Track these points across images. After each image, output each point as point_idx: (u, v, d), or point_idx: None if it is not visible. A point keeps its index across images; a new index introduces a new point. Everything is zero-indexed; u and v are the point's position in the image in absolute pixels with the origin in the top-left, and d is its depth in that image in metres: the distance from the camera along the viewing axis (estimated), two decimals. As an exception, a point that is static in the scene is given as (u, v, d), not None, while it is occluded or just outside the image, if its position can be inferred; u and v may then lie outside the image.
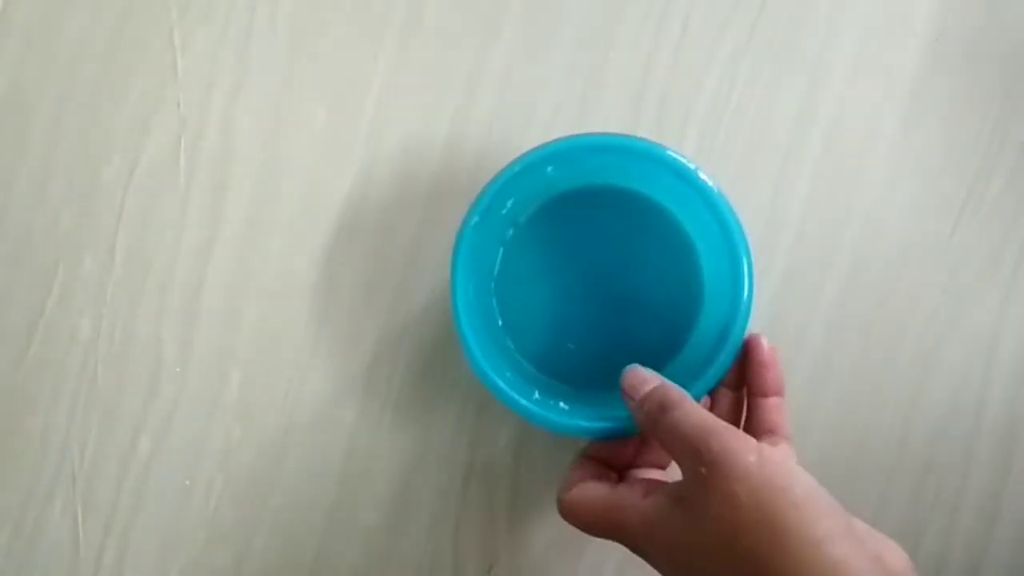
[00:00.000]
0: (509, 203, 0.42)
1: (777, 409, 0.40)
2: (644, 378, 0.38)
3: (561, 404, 0.41)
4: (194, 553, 0.47)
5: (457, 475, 0.47)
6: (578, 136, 0.41)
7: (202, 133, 0.46)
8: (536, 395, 0.41)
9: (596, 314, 0.44)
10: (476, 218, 0.41)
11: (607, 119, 0.46)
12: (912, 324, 0.47)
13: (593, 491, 0.38)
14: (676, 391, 0.37)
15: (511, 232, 0.44)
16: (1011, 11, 0.47)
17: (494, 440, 0.46)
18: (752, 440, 0.33)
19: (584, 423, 0.41)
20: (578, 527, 0.38)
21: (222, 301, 0.46)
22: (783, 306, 0.46)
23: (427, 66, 0.46)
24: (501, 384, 0.40)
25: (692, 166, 0.41)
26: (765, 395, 0.40)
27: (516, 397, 0.41)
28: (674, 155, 0.41)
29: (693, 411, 0.35)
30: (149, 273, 0.46)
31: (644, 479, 0.38)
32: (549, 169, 0.41)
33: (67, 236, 0.46)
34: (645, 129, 0.46)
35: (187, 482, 0.46)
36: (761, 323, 0.46)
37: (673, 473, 0.40)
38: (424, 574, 0.47)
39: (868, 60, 0.47)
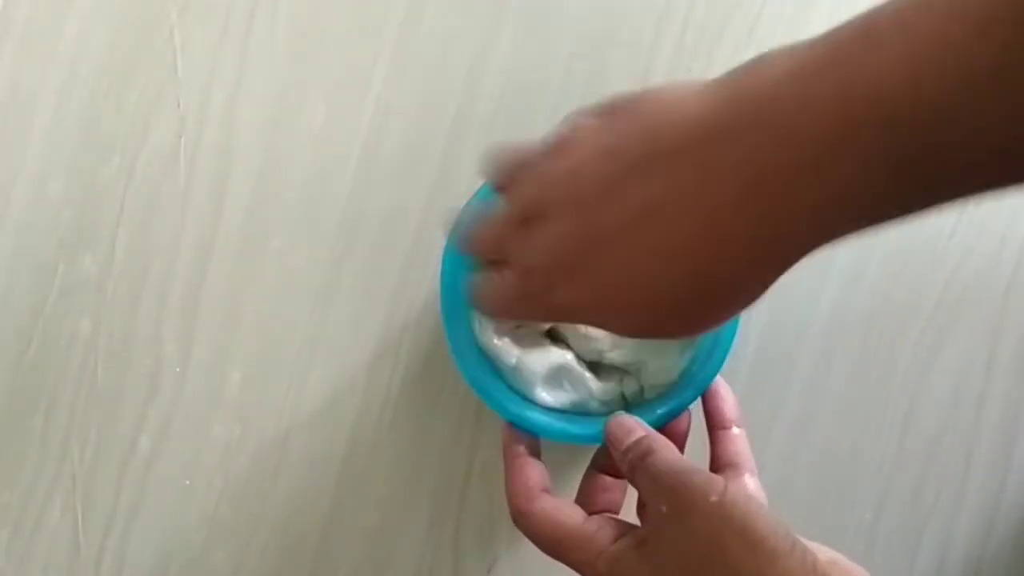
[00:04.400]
0: None
1: (737, 441, 0.39)
2: (630, 429, 0.37)
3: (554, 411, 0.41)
4: (194, 553, 0.47)
5: (457, 475, 0.47)
6: None
7: (202, 132, 0.46)
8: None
9: None
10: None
11: (607, 119, 0.46)
12: (912, 324, 0.47)
13: (561, 515, 0.36)
14: (660, 439, 0.36)
15: None
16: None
17: (494, 440, 0.46)
18: (719, 481, 0.32)
19: (576, 429, 0.40)
20: (532, 540, 0.37)
21: (222, 301, 0.46)
22: (783, 307, 0.46)
23: (427, 66, 0.46)
24: (493, 393, 0.40)
25: None
26: (724, 427, 0.40)
27: (507, 405, 0.40)
28: None
29: (670, 455, 0.35)
30: (149, 273, 0.46)
31: (617, 520, 0.37)
32: None
33: (67, 236, 0.46)
34: (645, 129, 0.46)
35: (187, 482, 0.46)
36: (761, 327, 0.46)
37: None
38: (424, 574, 0.47)
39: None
